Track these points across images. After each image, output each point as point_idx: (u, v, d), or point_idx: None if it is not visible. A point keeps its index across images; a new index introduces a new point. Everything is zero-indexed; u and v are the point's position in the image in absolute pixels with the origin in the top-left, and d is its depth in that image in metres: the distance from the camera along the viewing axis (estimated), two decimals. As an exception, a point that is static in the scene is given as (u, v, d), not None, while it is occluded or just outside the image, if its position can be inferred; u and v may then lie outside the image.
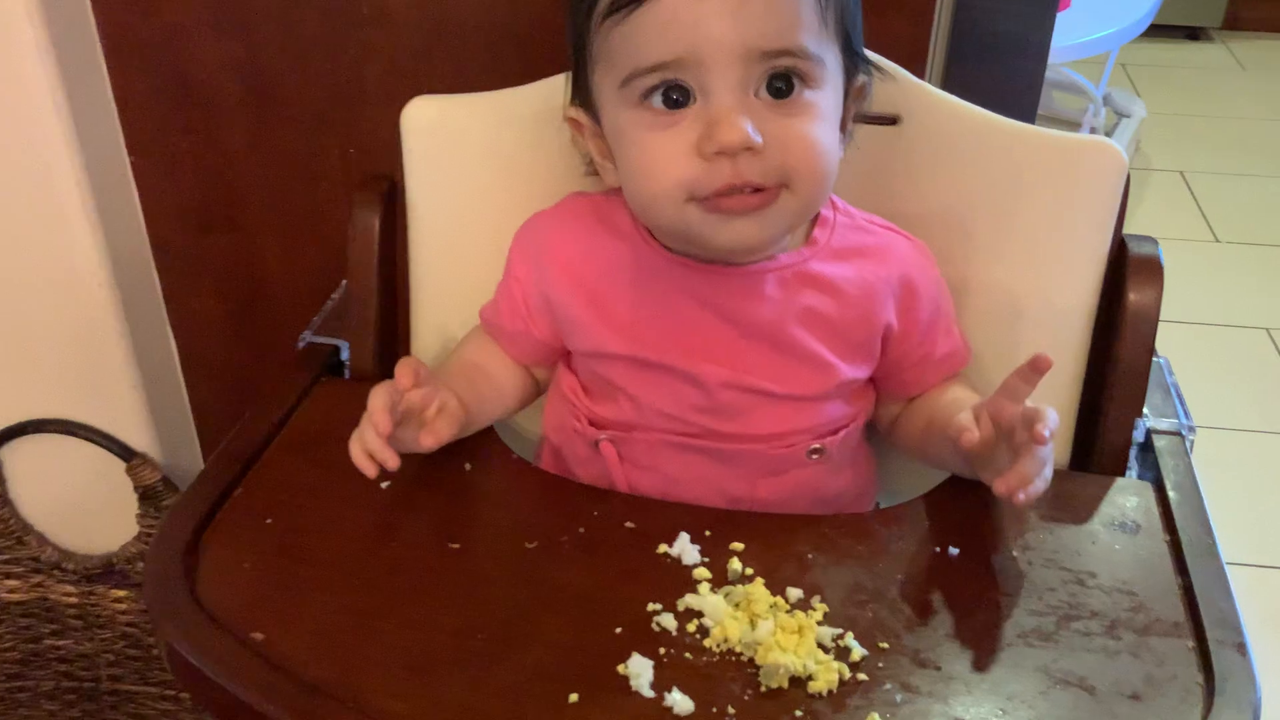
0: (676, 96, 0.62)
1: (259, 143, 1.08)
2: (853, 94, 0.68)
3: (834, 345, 0.71)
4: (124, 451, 1.19)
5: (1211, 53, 3.47)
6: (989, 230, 0.77)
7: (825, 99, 0.64)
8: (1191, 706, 0.55)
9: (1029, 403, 0.62)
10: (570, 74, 0.71)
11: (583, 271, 0.72)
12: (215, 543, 0.63)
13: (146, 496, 1.20)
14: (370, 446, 0.64)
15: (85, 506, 1.24)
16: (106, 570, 1.24)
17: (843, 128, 0.68)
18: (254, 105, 1.06)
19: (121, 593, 1.26)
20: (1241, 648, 0.58)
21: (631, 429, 0.72)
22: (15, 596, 1.28)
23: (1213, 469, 1.79)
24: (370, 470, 0.64)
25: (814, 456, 0.72)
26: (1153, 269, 0.72)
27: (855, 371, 0.72)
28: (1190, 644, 0.59)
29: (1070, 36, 2.26)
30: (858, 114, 0.70)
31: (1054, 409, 0.62)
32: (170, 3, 1.02)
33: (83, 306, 1.12)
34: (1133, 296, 0.72)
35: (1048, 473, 0.62)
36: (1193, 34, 3.54)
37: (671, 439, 0.71)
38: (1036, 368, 0.61)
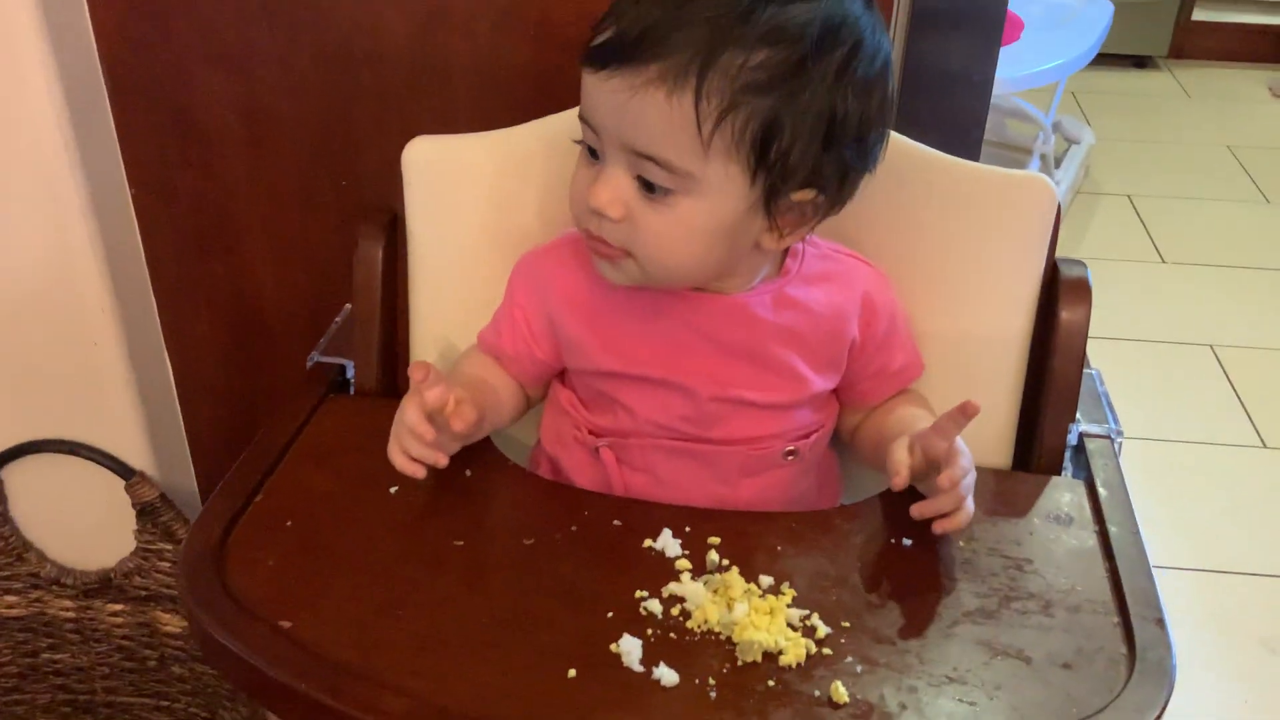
0: (592, 149, 0.72)
1: (255, 174, 1.13)
2: (783, 207, 0.72)
3: (806, 359, 0.79)
4: (123, 470, 1.23)
5: (1158, 80, 3.58)
6: (933, 258, 0.84)
7: (701, 207, 0.70)
8: (1116, 673, 0.63)
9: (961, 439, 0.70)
10: None
11: (580, 299, 0.80)
12: (241, 543, 0.69)
13: (144, 513, 1.23)
14: (418, 454, 0.72)
15: (84, 523, 1.28)
16: (103, 585, 1.27)
17: (775, 230, 0.73)
18: (251, 139, 1.11)
19: (118, 606, 1.29)
20: (1160, 623, 0.66)
21: (627, 436, 0.80)
22: (14, 612, 1.31)
23: (1158, 478, 1.88)
24: (419, 472, 0.72)
25: (789, 458, 0.80)
26: (1082, 289, 0.80)
27: (824, 382, 0.80)
28: (1115, 620, 0.67)
29: (1020, 67, 2.35)
30: (812, 215, 0.74)
31: (970, 454, 0.70)
32: (171, 42, 1.06)
33: (84, 330, 1.16)
34: (1064, 315, 0.80)
35: (969, 507, 0.70)
36: (1140, 62, 3.66)
37: (663, 444, 0.79)
38: (965, 413, 0.69)
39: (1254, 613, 1.63)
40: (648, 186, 0.70)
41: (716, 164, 0.69)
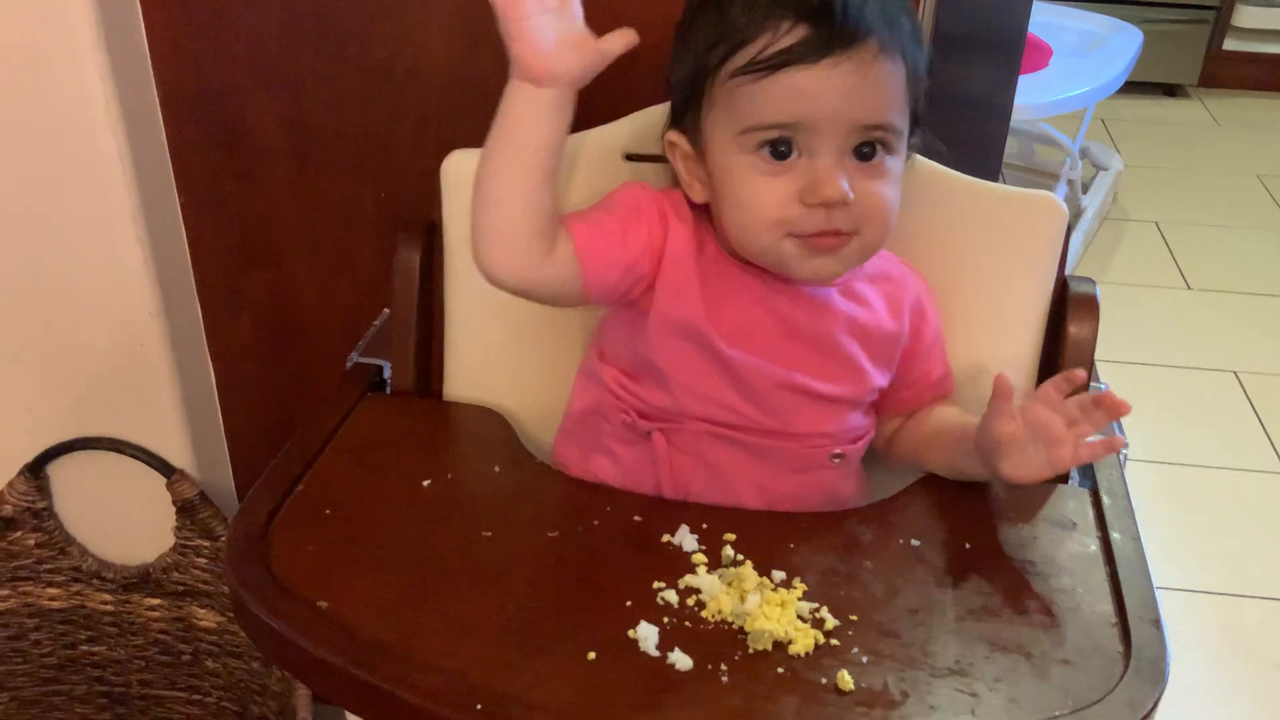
0: (783, 149, 0.74)
1: (298, 187, 1.17)
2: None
3: (868, 352, 0.82)
4: (165, 468, 1.27)
5: (1188, 109, 3.60)
6: (946, 273, 0.88)
7: (898, 164, 0.77)
8: (1112, 670, 0.66)
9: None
10: (671, 104, 0.81)
11: (687, 251, 0.80)
12: (283, 529, 0.73)
13: (184, 510, 1.27)
14: None
15: (125, 519, 1.32)
16: (142, 579, 1.31)
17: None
18: (295, 153, 1.15)
19: (155, 601, 1.33)
20: (1156, 624, 0.68)
21: (680, 418, 0.81)
22: (55, 604, 1.35)
23: (1180, 502, 1.89)
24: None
25: (835, 460, 0.83)
26: (1090, 306, 0.83)
27: (880, 379, 0.83)
28: (1114, 621, 0.69)
29: (1048, 93, 2.37)
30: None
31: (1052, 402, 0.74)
32: (223, 60, 1.11)
33: (132, 333, 1.20)
34: (1072, 329, 0.83)
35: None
36: (1170, 91, 3.68)
37: (716, 430, 0.80)
38: (1070, 381, 0.73)
39: (1272, 637, 1.64)
40: (863, 157, 0.74)
41: (907, 118, 0.76)
